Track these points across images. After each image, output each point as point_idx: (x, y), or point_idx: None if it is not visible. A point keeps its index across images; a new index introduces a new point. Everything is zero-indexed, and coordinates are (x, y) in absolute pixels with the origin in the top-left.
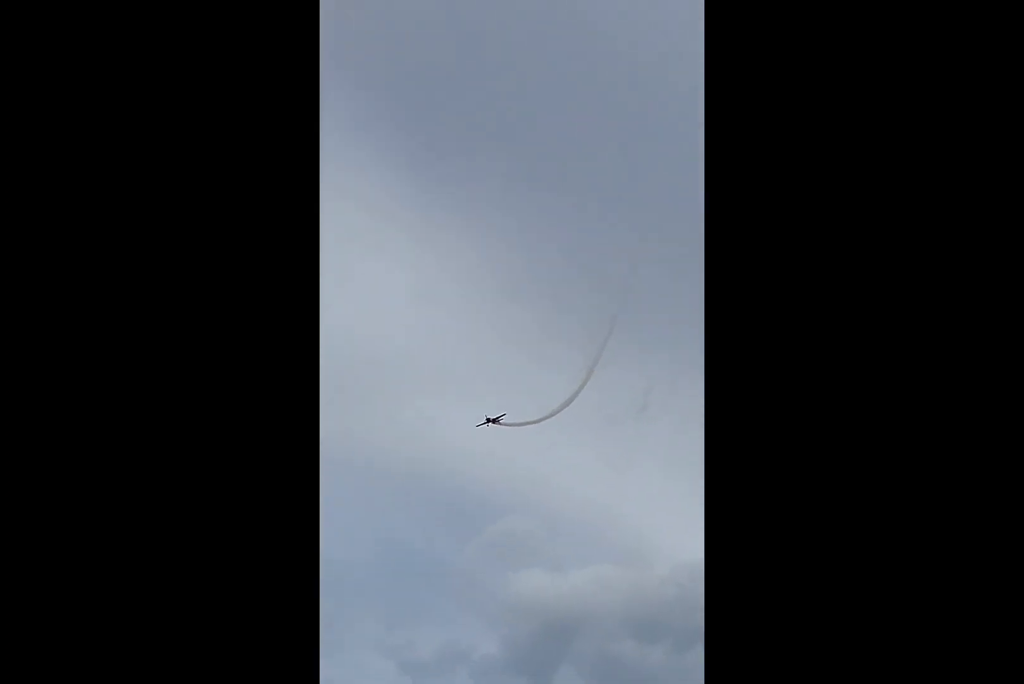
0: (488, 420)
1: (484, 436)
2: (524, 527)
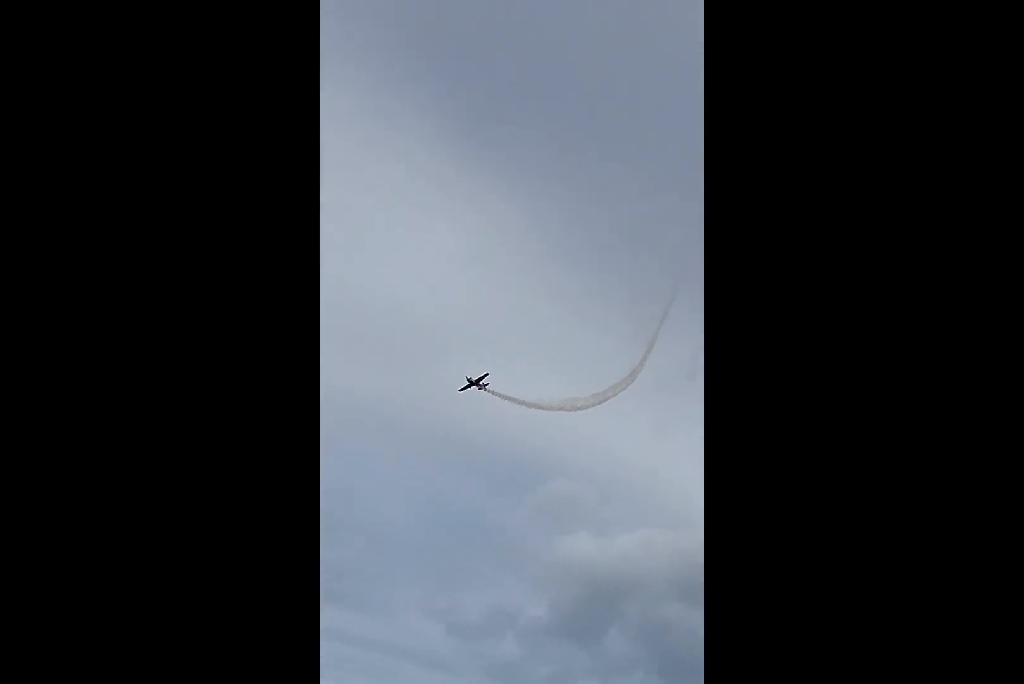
0: (470, 382)
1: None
2: (572, 490)
